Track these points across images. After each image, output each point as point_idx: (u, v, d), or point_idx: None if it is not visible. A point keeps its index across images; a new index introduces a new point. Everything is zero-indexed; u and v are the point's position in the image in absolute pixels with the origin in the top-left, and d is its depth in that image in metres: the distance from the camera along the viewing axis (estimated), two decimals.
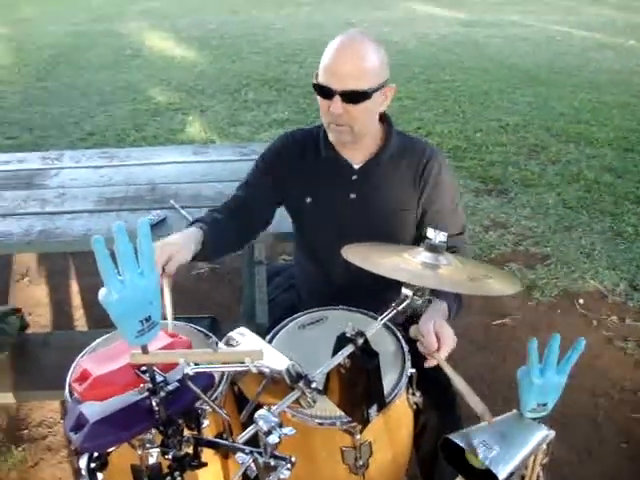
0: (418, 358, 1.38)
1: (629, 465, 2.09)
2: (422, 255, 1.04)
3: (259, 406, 0.93)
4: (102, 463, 0.99)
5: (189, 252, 1.39)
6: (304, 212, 1.65)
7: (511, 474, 0.99)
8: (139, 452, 1.05)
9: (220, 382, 1.28)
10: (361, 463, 1.29)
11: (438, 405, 1.51)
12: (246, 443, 0.88)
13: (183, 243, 1.39)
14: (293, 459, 0.87)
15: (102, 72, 6.98)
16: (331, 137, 1.54)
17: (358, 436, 1.24)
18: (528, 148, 4.69)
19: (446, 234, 1.04)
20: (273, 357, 0.92)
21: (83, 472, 0.94)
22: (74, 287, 3.05)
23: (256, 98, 5.95)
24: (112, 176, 2.33)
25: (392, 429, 1.35)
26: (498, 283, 1.09)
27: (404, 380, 1.30)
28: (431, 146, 1.63)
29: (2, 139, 4.96)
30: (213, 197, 2.16)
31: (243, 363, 0.87)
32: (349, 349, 0.92)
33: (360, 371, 0.95)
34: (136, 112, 5.59)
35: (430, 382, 1.42)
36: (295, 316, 1.51)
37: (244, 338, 1.05)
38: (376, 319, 1.46)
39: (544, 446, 1.14)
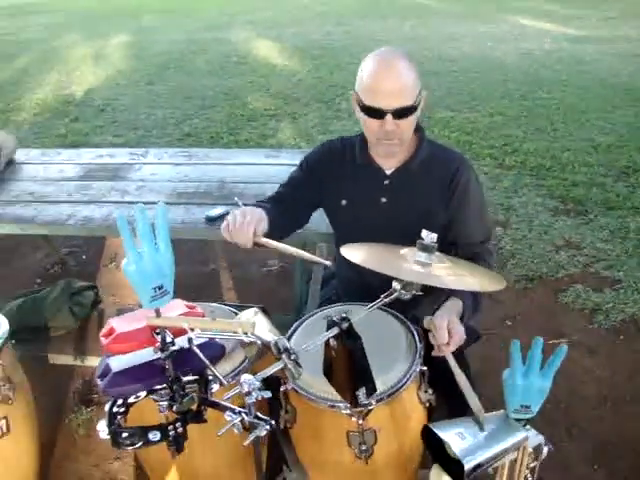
0: (433, 357, 1.46)
1: None
2: (417, 254, 1.14)
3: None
4: (124, 411, 1.16)
5: (266, 225, 1.53)
6: (339, 214, 1.78)
7: (478, 466, 1.06)
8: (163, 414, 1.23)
9: (242, 363, 1.42)
10: (364, 448, 1.38)
11: (451, 405, 1.57)
12: None
13: (263, 217, 1.54)
14: (273, 422, 1.00)
15: (207, 77, 7.43)
16: (380, 151, 1.65)
17: (361, 421, 1.34)
18: (618, 170, 4.51)
19: (436, 235, 1.13)
20: (267, 332, 1.04)
21: (105, 413, 1.11)
22: None
23: (348, 108, 6.10)
24: (188, 173, 2.57)
25: (398, 421, 1.44)
26: (478, 280, 1.16)
27: (411, 374, 1.38)
28: (460, 155, 1.71)
29: (111, 137, 5.45)
30: None
31: (236, 333, 1.00)
32: (334, 331, 1.04)
33: (345, 353, 1.06)
34: (233, 116, 5.93)
35: (445, 383, 1.49)
36: (324, 308, 1.64)
37: (254, 317, 1.18)
38: (395, 316, 1.58)
39: (530, 449, 1.19)
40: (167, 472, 1.53)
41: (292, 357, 0.98)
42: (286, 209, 1.77)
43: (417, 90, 1.56)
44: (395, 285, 1.14)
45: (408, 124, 1.57)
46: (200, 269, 3.36)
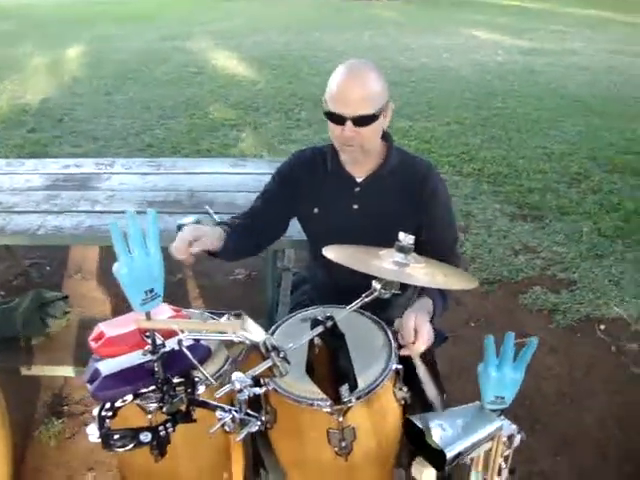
0: (408, 357, 1.52)
1: None
2: (395, 255, 1.20)
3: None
4: (112, 414, 1.18)
5: (213, 243, 1.58)
6: (312, 221, 1.83)
7: (459, 454, 1.12)
8: (148, 417, 1.25)
9: (225, 363, 1.45)
10: (344, 445, 1.42)
11: (425, 403, 1.63)
12: None
13: (211, 234, 1.59)
14: (263, 418, 1.04)
15: (166, 87, 7.41)
16: (343, 156, 1.72)
17: (341, 419, 1.39)
18: (570, 177, 4.71)
19: (413, 237, 1.19)
20: (255, 332, 1.08)
21: (95, 417, 1.13)
22: None
23: (308, 118, 6.19)
24: (157, 182, 2.58)
25: (376, 418, 1.48)
26: (452, 279, 1.23)
27: (387, 372, 1.44)
28: (428, 162, 1.79)
29: (69, 147, 5.38)
30: (244, 205, 2.32)
31: (226, 333, 1.04)
32: (318, 329, 1.08)
33: (329, 350, 1.11)
34: (193, 126, 5.93)
35: (419, 381, 1.55)
36: (300, 310, 1.68)
37: (240, 318, 1.22)
38: (372, 319, 1.63)
39: (504, 438, 1.26)
40: (150, 478, 1.54)
41: (281, 355, 1.02)
42: (261, 222, 1.82)
43: (381, 101, 1.62)
44: (375, 285, 1.20)
45: (369, 132, 1.62)
46: (167, 278, 3.33)
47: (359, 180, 1.76)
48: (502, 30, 11.39)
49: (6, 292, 3.20)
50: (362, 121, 1.59)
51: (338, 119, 1.60)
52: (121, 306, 3.29)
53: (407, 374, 1.52)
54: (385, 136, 1.75)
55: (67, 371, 2.26)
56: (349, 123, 1.59)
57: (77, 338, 2.38)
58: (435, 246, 1.74)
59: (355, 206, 1.76)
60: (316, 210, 1.80)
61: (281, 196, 1.85)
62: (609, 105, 6.70)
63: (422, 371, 1.35)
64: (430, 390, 1.29)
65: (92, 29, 11.56)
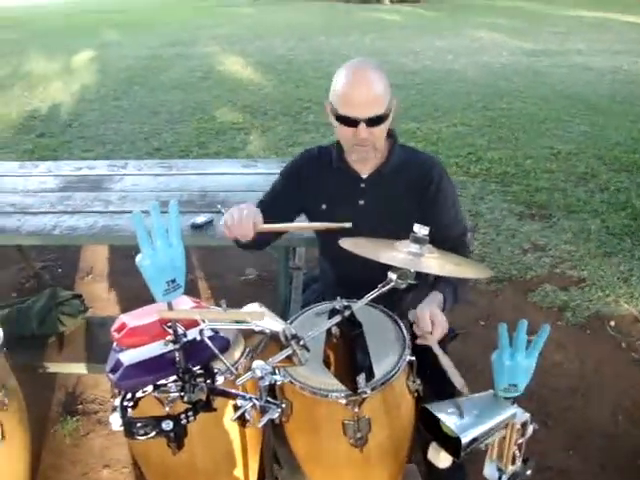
0: (420, 350, 1.54)
1: None
2: (409, 246, 1.22)
3: None
4: (133, 405, 1.20)
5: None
6: (320, 218, 1.85)
7: (474, 440, 1.14)
8: (166, 408, 1.28)
9: (242, 354, 1.47)
10: (359, 436, 1.44)
11: (438, 395, 1.64)
12: None
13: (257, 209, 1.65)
14: (283, 405, 1.06)
15: (173, 92, 7.47)
16: (354, 156, 1.74)
17: (356, 409, 1.41)
18: (577, 176, 4.72)
19: (428, 228, 1.22)
20: (273, 321, 1.11)
21: (117, 407, 1.15)
22: (132, 284, 3.33)
23: (316, 121, 6.23)
24: (169, 183, 2.61)
25: (390, 409, 1.50)
26: (463, 268, 1.26)
27: (401, 364, 1.46)
28: (432, 157, 1.83)
29: (79, 152, 5.43)
30: None
31: (247, 322, 1.06)
32: (337, 319, 1.11)
33: (347, 339, 1.13)
34: (201, 130, 5.97)
35: (431, 373, 1.57)
36: (313, 306, 1.70)
37: (260, 309, 1.24)
38: (384, 312, 1.66)
39: (518, 426, 1.27)
40: (167, 471, 1.56)
41: (301, 342, 1.04)
42: (268, 218, 1.84)
43: (388, 98, 1.65)
44: (391, 275, 1.22)
45: (380, 131, 1.66)
46: None
47: (364, 176, 1.80)
48: (506, 32, 11.43)
49: (18, 294, 3.23)
50: (375, 121, 1.62)
51: (351, 122, 1.63)
52: (132, 306, 3.35)
53: (419, 367, 1.55)
54: (389, 133, 1.78)
55: (82, 369, 2.29)
56: (362, 125, 1.61)
57: (91, 337, 2.41)
58: (443, 238, 1.76)
59: (361, 202, 1.79)
60: (324, 206, 1.83)
61: (288, 193, 1.88)
62: (614, 105, 6.71)
63: (444, 359, 1.37)
64: (455, 376, 1.31)
65: (95, 37, 11.67)
